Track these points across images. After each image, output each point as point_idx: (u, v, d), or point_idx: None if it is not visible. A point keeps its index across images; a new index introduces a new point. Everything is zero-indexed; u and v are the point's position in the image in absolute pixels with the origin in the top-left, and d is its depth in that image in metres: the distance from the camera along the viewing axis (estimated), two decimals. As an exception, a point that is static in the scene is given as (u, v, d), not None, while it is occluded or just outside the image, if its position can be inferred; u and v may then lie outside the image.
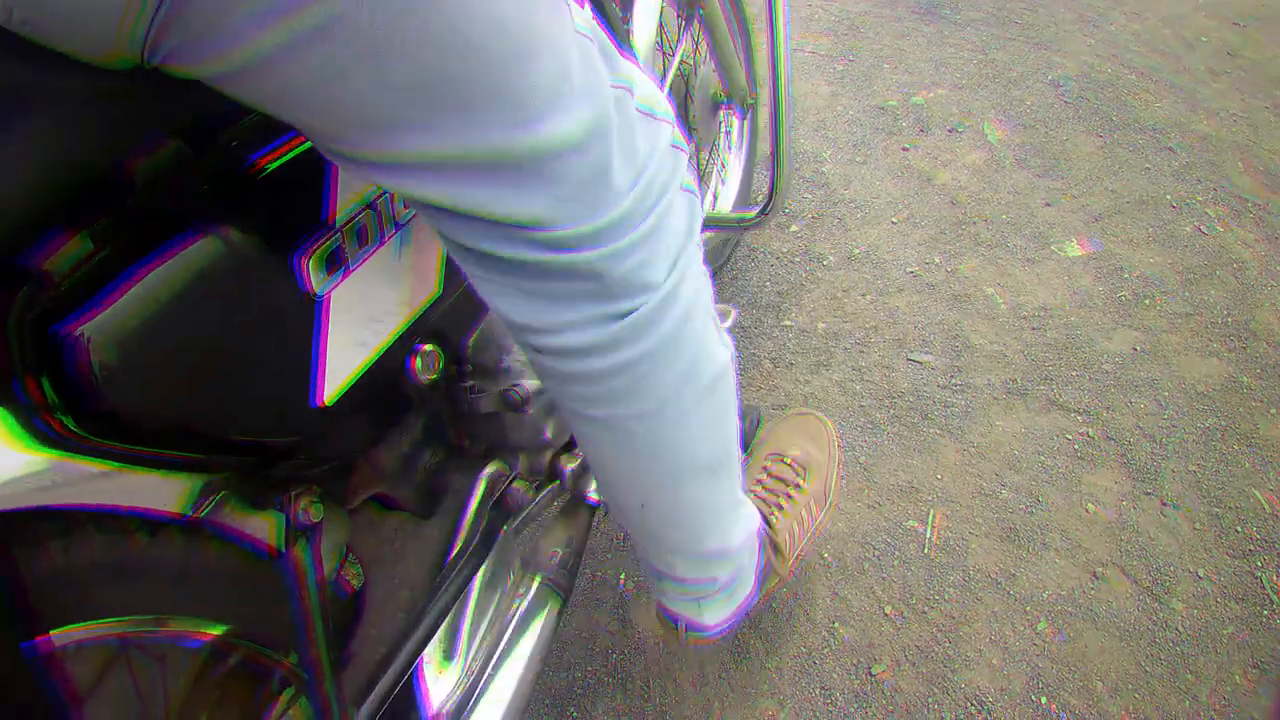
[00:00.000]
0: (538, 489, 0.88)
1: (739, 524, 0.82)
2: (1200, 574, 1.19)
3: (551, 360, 0.58)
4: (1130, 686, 1.08)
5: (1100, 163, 1.88)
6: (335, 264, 0.55)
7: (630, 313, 0.55)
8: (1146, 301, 1.56)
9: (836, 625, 1.12)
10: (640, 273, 0.55)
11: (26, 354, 0.40)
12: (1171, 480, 1.29)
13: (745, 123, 1.54)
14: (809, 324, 1.53)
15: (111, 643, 0.49)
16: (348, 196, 0.55)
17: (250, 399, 0.53)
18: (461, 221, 0.50)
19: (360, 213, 0.57)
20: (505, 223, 0.50)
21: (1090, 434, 1.34)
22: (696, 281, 0.61)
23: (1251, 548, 1.22)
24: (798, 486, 1.04)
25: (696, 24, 1.28)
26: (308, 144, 0.52)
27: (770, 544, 0.96)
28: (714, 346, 0.65)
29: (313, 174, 0.53)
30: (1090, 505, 1.26)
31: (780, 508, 1.01)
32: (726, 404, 0.69)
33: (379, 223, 0.59)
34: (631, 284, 0.55)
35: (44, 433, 0.41)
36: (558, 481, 0.89)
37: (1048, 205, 1.77)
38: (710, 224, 1.29)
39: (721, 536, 0.79)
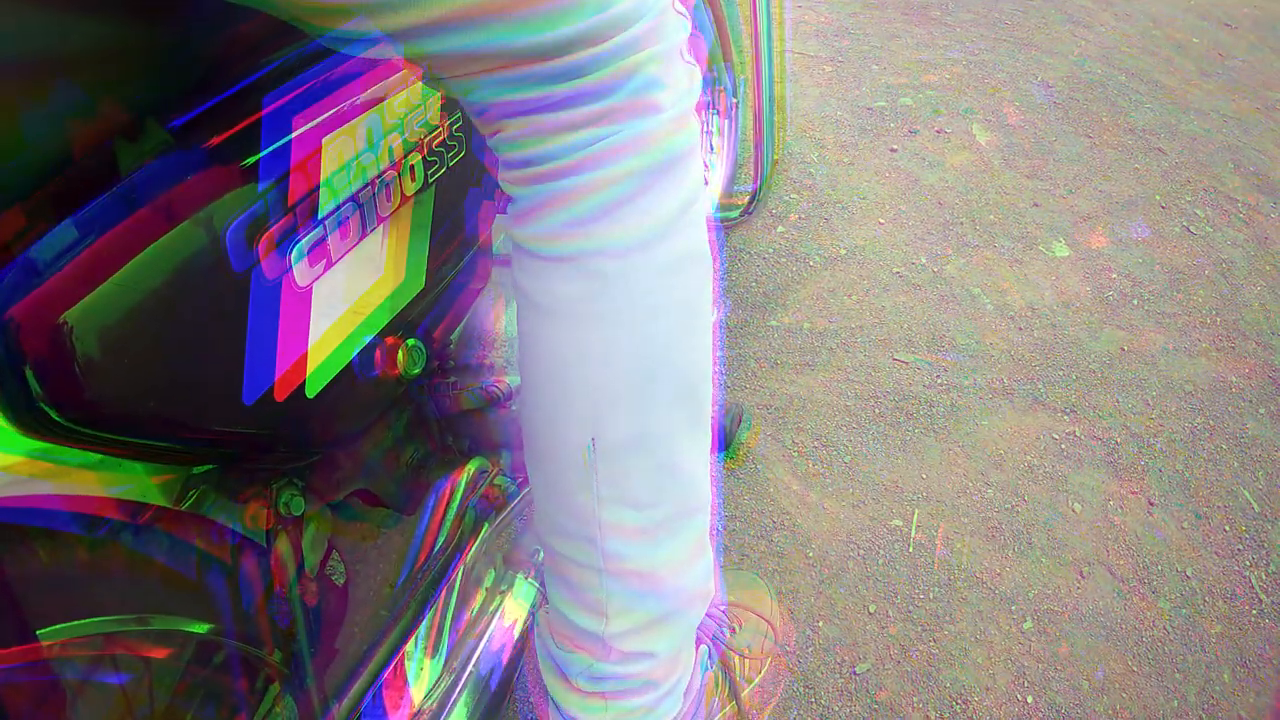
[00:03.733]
0: (520, 486, 0.90)
1: (702, 557, 0.70)
2: (1188, 573, 1.22)
3: (551, 184, 0.58)
4: (1116, 685, 1.10)
5: (1089, 163, 1.92)
6: (317, 254, 0.57)
7: (638, 132, 0.58)
8: (1134, 301, 1.59)
9: (820, 623, 1.14)
10: (646, 93, 0.57)
11: (9, 344, 0.41)
12: (1158, 480, 1.32)
13: (729, 121, 1.57)
14: (795, 324, 1.56)
15: (96, 643, 0.50)
16: (328, 186, 0.57)
17: (231, 389, 0.54)
18: (477, 79, 0.54)
19: (342, 205, 0.58)
20: (513, 60, 0.53)
21: (1076, 433, 1.38)
22: (695, 137, 0.62)
23: (1239, 547, 1.25)
24: (732, 631, 0.95)
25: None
26: (287, 140, 0.54)
27: (719, 667, 0.87)
28: (702, 219, 0.63)
29: (288, 161, 0.54)
30: (1076, 505, 1.29)
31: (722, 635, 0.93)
32: (705, 306, 0.65)
33: (360, 215, 0.61)
34: (637, 105, 0.57)
35: (27, 424, 0.42)
36: None
37: (1035, 205, 1.81)
38: None
39: (684, 562, 0.67)
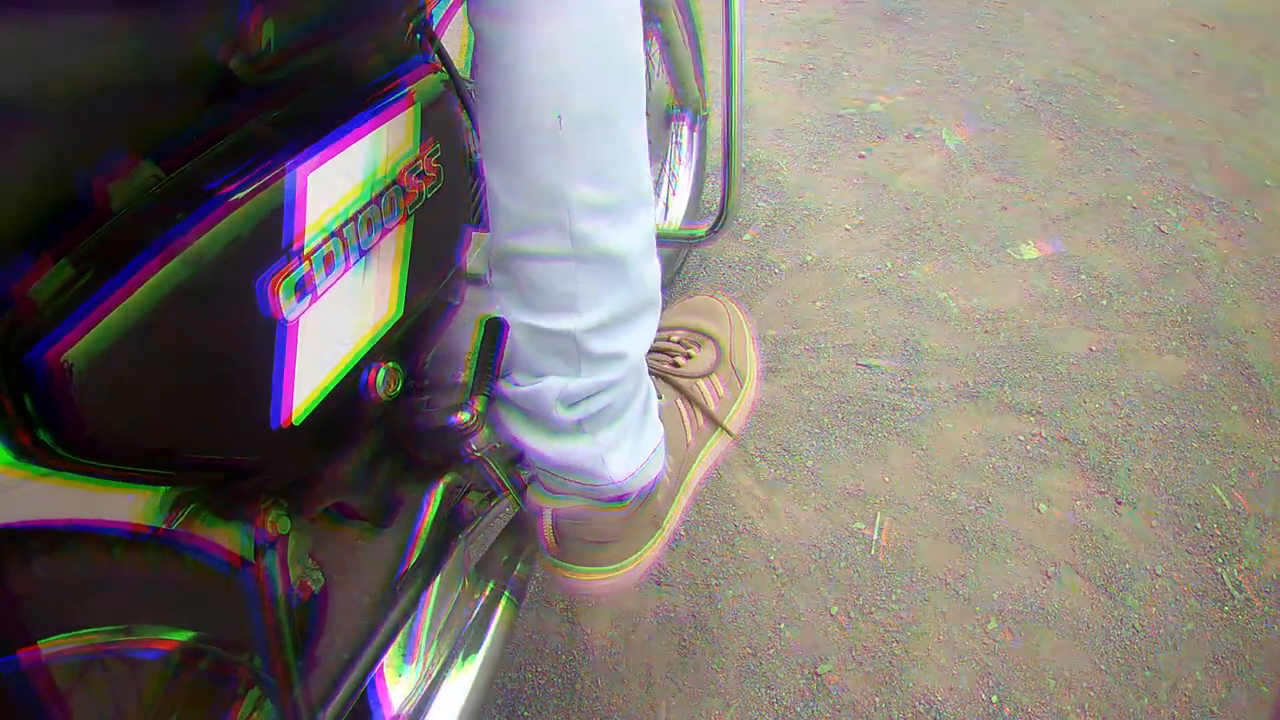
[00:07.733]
0: (490, 500, 0.96)
1: (653, 257, 0.80)
2: (1158, 571, 1.27)
3: None
4: (1085, 684, 1.15)
5: (1060, 165, 2.00)
6: (303, 290, 0.61)
7: None
8: (1103, 302, 1.66)
9: (782, 626, 1.19)
10: None
11: (10, 377, 0.45)
12: (1127, 479, 1.38)
13: (695, 133, 1.64)
14: (760, 331, 1.62)
15: (85, 654, 0.53)
16: (314, 223, 0.63)
17: (223, 420, 0.59)
18: None
19: (326, 240, 0.63)
20: None
21: (1043, 435, 1.43)
22: None
23: (1211, 544, 1.31)
24: (688, 357, 1.01)
25: (652, 38, 1.39)
26: (278, 178, 0.60)
27: (678, 395, 0.95)
28: None
29: (278, 199, 0.59)
30: (1042, 505, 1.34)
31: (674, 368, 0.99)
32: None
33: (344, 250, 0.66)
34: None
35: (24, 449, 0.46)
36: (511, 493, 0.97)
37: (1005, 209, 1.88)
38: (661, 239, 1.38)
39: (642, 252, 0.77)
